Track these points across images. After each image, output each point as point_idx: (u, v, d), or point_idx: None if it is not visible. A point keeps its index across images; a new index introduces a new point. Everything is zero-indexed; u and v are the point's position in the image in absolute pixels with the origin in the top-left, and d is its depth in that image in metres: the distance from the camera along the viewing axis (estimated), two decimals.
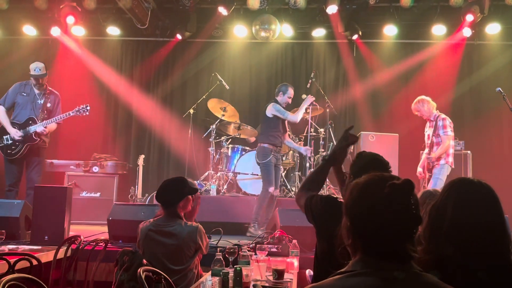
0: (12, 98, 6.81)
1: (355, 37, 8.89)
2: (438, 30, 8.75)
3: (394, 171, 7.63)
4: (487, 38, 8.97)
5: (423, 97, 6.79)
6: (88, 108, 6.76)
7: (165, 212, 3.68)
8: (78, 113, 6.75)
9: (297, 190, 7.54)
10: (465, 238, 1.87)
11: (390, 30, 8.84)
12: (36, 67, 6.76)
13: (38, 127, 6.65)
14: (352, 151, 8.28)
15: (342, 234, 1.69)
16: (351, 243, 1.64)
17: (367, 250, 1.59)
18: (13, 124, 6.68)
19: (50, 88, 6.97)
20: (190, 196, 3.74)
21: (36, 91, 6.81)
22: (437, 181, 6.43)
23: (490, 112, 8.60)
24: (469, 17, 8.10)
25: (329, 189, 7.65)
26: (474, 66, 9.26)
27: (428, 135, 6.82)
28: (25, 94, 6.79)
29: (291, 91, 6.99)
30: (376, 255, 1.58)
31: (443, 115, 6.63)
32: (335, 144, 7.91)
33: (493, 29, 8.64)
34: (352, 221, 1.63)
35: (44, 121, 6.70)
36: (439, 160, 6.56)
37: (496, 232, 1.92)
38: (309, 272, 3.41)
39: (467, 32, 8.51)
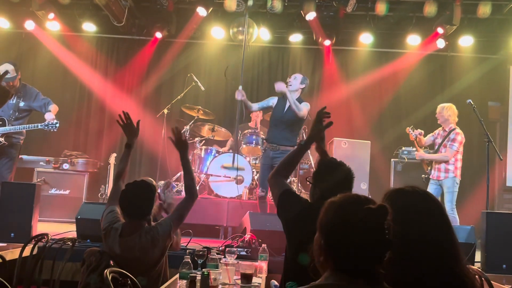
0: None
1: (327, 42, 8.95)
2: (413, 40, 8.86)
3: (365, 177, 7.81)
4: (460, 50, 9.12)
5: (450, 104, 6.79)
6: (57, 125, 6.56)
7: (131, 221, 3.46)
8: (46, 127, 6.53)
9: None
10: (412, 258, 1.79)
11: (366, 38, 8.94)
12: (4, 70, 6.51)
13: (47, 115, 6.58)
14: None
15: (314, 250, 1.70)
16: (323, 260, 1.65)
17: (338, 267, 1.61)
18: None
19: (24, 83, 6.81)
20: None
21: None
22: (453, 194, 6.49)
23: (462, 124, 8.68)
24: (440, 30, 8.30)
25: (301, 194, 7.68)
26: (447, 77, 9.43)
27: (436, 141, 6.84)
28: None
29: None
30: (347, 272, 1.60)
31: (458, 130, 6.64)
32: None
33: (466, 41, 8.77)
34: (327, 240, 1.64)
35: (19, 126, 6.56)
36: (447, 172, 6.58)
37: (443, 244, 1.85)
38: (273, 283, 3.41)
39: (441, 43, 8.66)
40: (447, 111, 6.70)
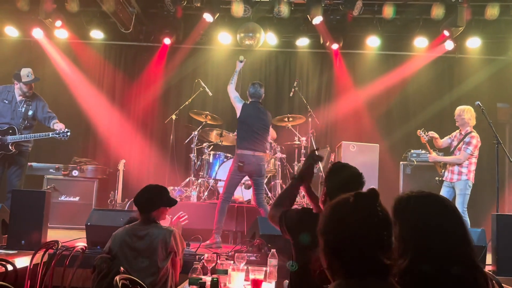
0: None
1: (335, 46, 8.94)
2: (420, 42, 8.84)
3: (374, 181, 7.78)
4: (468, 51, 9.09)
5: (469, 107, 6.76)
6: (69, 133, 6.62)
7: (141, 216, 3.69)
8: (58, 136, 6.58)
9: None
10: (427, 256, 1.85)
11: (373, 41, 8.93)
12: (28, 73, 6.65)
13: (56, 125, 6.67)
14: (332, 160, 8.34)
15: (320, 257, 1.69)
16: (329, 265, 1.64)
17: (346, 270, 1.60)
18: None
19: (34, 92, 6.89)
20: (166, 208, 3.77)
21: (18, 98, 6.71)
22: (465, 197, 6.51)
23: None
24: (446, 32, 8.30)
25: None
26: (455, 79, 9.39)
27: (452, 143, 6.86)
28: (6, 102, 6.68)
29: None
30: (355, 275, 1.59)
31: (474, 133, 6.64)
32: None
33: (474, 43, 8.75)
34: (326, 240, 1.63)
35: (30, 135, 6.67)
36: (460, 174, 6.59)
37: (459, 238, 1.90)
38: (286, 283, 3.42)
39: (449, 45, 8.63)
40: (466, 113, 6.70)
